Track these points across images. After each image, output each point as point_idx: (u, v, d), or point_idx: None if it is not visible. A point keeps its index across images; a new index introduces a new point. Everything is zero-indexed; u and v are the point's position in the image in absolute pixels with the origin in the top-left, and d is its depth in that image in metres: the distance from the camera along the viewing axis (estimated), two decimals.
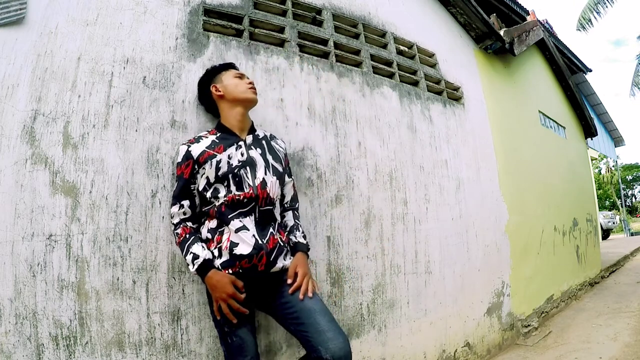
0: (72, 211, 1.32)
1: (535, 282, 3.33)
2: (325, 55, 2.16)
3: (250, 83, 1.52)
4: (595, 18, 8.19)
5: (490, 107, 3.22)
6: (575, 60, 8.43)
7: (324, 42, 2.16)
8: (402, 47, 2.57)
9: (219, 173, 1.36)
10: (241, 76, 1.54)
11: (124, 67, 1.51)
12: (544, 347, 2.72)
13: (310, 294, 1.34)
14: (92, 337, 1.29)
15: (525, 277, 3.18)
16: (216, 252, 1.34)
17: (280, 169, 1.50)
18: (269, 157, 1.48)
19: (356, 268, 1.97)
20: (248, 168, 1.40)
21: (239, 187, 1.36)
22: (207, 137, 1.44)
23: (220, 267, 1.31)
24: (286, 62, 1.95)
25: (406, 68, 2.56)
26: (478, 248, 2.71)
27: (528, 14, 5.01)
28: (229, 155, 1.39)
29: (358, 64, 2.30)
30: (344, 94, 2.15)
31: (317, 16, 2.18)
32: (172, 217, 1.39)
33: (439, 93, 2.76)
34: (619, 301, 3.88)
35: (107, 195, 1.39)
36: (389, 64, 2.46)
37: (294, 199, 1.59)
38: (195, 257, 1.29)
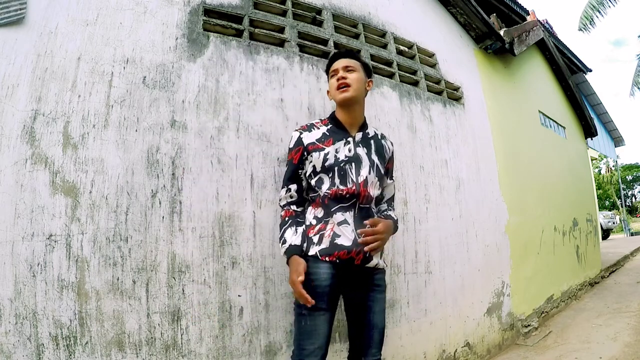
0: (72, 211, 1.33)
1: (535, 282, 3.34)
2: (325, 55, 2.16)
3: (338, 80, 1.46)
4: (597, 17, 8.15)
5: (490, 107, 3.21)
6: (575, 60, 8.43)
7: (324, 42, 2.16)
8: (402, 47, 2.57)
9: (326, 164, 1.40)
10: (335, 72, 1.50)
11: (124, 67, 1.51)
12: (544, 347, 2.72)
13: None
14: (92, 337, 1.29)
15: (525, 277, 3.18)
16: (316, 239, 1.38)
17: (383, 169, 1.52)
18: (375, 157, 1.50)
19: None
20: (353, 164, 1.43)
21: (343, 181, 1.40)
22: (318, 128, 1.48)
23: (318, 254, 1.36)
24: (286, 62, 1.95)
25: (406, 68, 2.56)
26: (478, 248, 2.71)
27: (528, 14, 5.01)
28: (336, 149, 1.43)
29: None
30: None
31: (317, 16, 2.18)
32: (279, 200, 1.48)
33: (439, 93, 2.76)
34: (619, 301, 3.88)
35: (107, 195, 1.39)
36: (389, 64, 2.46)
37: (393, 198, 1.63)
38: (284, 241, 1.38)
